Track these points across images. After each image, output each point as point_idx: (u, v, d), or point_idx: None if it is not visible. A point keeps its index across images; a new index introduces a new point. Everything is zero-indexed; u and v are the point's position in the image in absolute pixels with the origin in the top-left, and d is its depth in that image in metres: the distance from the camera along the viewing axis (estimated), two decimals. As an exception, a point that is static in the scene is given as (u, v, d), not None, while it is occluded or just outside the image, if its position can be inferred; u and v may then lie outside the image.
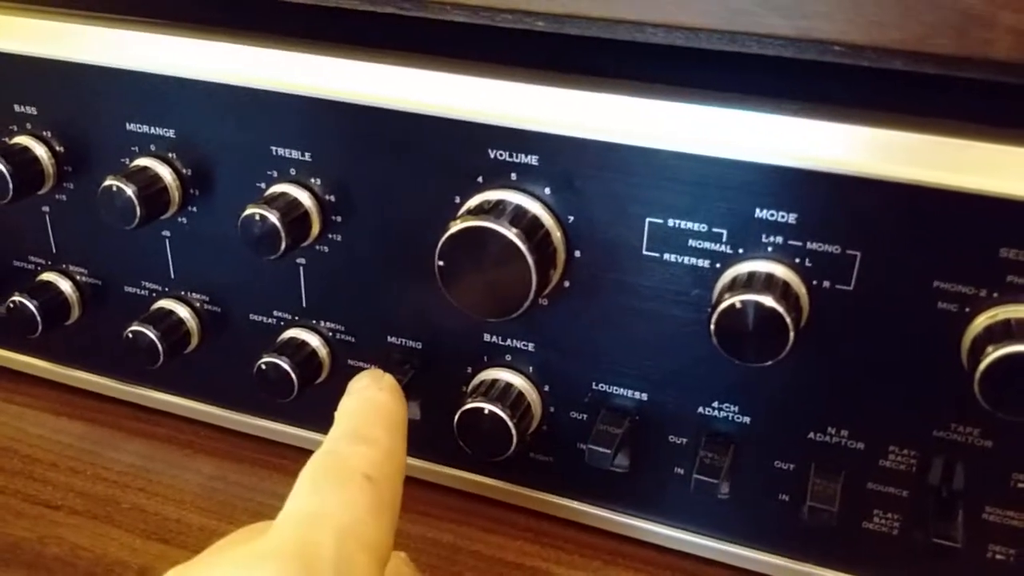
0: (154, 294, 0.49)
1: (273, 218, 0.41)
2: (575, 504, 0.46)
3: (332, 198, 0.42)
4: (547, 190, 0.38)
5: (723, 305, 0.35)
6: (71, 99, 0.45)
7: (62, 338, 0.52)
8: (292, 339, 0.46)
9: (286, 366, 0.45)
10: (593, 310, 0.40)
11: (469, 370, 0.44)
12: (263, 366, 0.46)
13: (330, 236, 0.43)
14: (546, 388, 0.43)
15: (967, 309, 0.35)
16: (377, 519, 0.30)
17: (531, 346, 0.42)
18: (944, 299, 0.35)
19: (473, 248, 0.37)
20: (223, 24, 0.44)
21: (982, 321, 0.34)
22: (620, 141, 0.36)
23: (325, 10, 0.40)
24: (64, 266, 0.51)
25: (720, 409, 0.40)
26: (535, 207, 0.38)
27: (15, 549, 0.45)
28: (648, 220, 0.37)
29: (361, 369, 0.44)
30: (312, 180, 0.42)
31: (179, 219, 0.46)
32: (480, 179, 0.39)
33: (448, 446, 0.44)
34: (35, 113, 0.47)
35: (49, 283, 0.51)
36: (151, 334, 0.47)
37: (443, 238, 0.37)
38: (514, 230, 0.36)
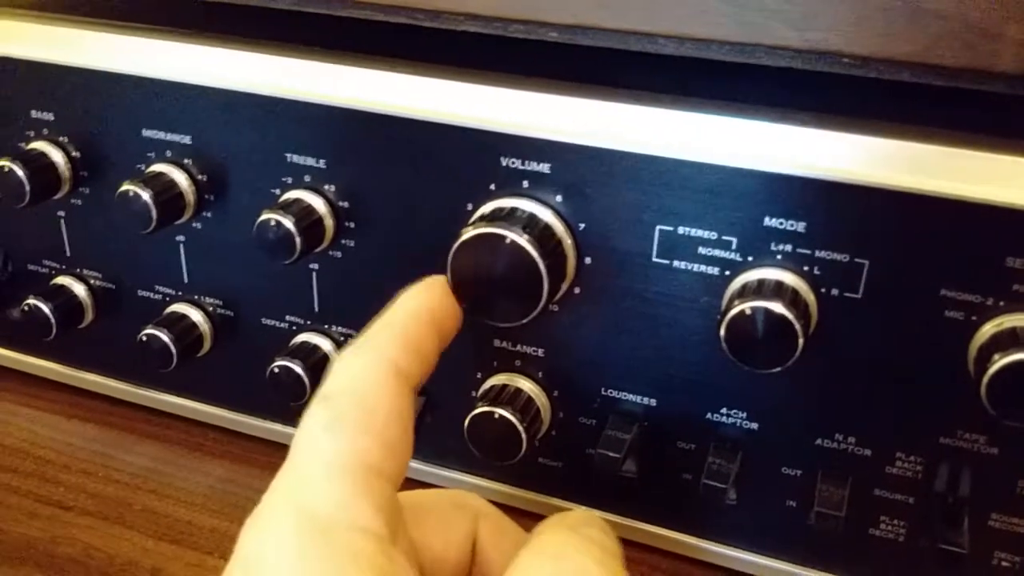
0: (168, 298, 0.50)
1: (288, 224, 0.41)
2: (583, 509, 0.46)
3: (346, 204, 0.43)
4: (558, 198, 0.39)
5: (733, 312, 0.35)
6: (88, 105, 0.46)
7: (76, 341, 0.53)
8: (304, 343, 0.47)
9: (298, 370, 0.46)
10: (603, 316, 0.41)
11: (479, 375, 0.44)
12: (275, 370, 0.46)
13: (343, 242, 0.44)
14: (556, 393, 0.43)
15: (974, 317, 0.35)
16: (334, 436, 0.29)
17: (541, 352, 0.43)
18: (951, 307, 0.35)
19: (485, 254, 0.37)
20: (238, 32, 0.45)
21: (988, 329, 0.35)
22: (631, 150, 0.37)
23: (340, 20, 0.41)
24: (79, 270, 0.52)
25: (728, 415, 0.41)
26: (546, 214, 0.39)
27: (28, 549, 0.45)
28: (658, 228, 0.38)
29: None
30: (326, 187, 0.43)
31: (194, 224, 0.47)
32: (492, 186, 0.40)
33: (458, 450, 0.45)
34: (52, 119, 0.47)
35: (63, 287, 0.51)
36: (164, 337, 0.48)
37: (455, 244, 0.37)
38: (526, 237, 0.37)
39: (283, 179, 0.43)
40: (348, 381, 0.31)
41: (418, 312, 0.34)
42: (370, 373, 0.31)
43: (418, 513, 0.33)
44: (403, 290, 0.36)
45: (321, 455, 0.29)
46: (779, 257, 0.36)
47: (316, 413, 0.30)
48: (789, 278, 0.36)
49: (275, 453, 0.51)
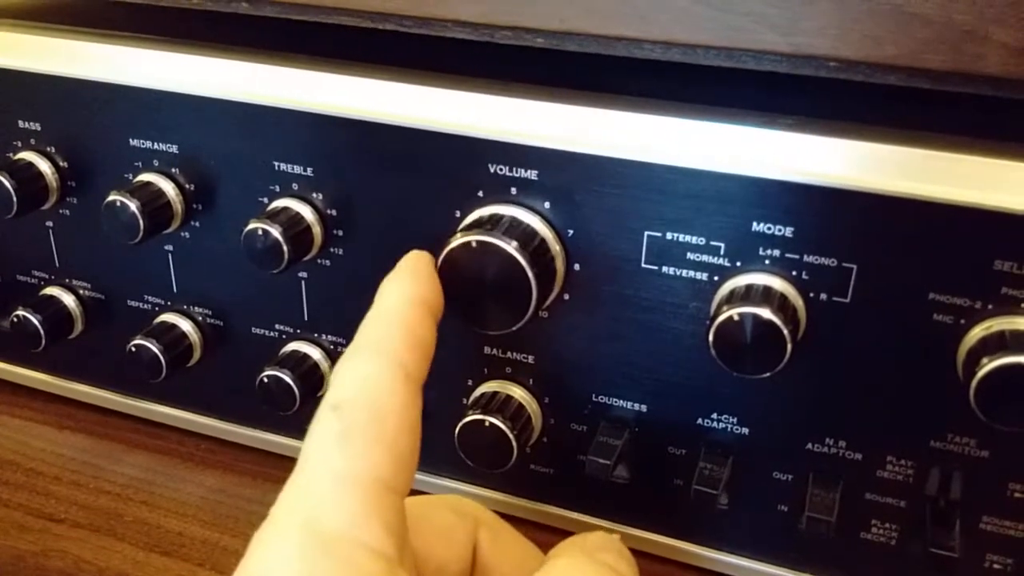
0: (157, 308, 0.50)
1: (276, 232, 0.41)
2: (575, 515, 0.46)
3: (334, 212, 0.43)
4: (547, 204, 0.39)
5: (721, 317, 0.35)
6: (75, 115, 0.46)
7: (65, 352, 0.53)
8: (294, 352, 0.47)
9: (288, 379, 0.45)
10: (592, 323, 0.40)
11: (470, 383, 0.44)
12: (265, 379, 0.46)
13: (332, 250, 0.44)
14: (546, 400, 0.43)
15: (962, 321, 0.35)
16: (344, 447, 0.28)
17: (531, 359, 0.43)
18: (939, 311, 0.35)
19: (473, 262, 0.37)
20: (226, 41, 0.45)
21: (977, 333, 0.34)
22: (619, 156, 0.37)
23: (327, 27, 0.41)
24: (67, 280, 0.52)
25: (719, 420, 0.41)
26: (535, 221, 0.38)
27: (18, 562, 0.45)
28: (646, 233, 0.38)
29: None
30: (314, 195, 0.43)
31: (182, 234, 0.47)
32: (480, 193, 0.39)
33: (449, 458, 0.44)
34: (39, 129, 0.47)
35: (52, 297, 0.51)
36: (154, 348, 0.48)
37: (443, 252, 0.37)
38: (514, 244, 0.37)
39: (271, 187, 0.43)
40: (359, 389, 0.30)
41: (415, 303, 0.33)
42: (381, 379, 0.30)
43: (419, 522, 0.32)
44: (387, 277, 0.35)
45: (332, 468, 0.28)
46: (767, 262, 0.36)
47: (327, 423, 0.29)
48: (777, 283, 0.36)
49: (267, 463, 0.51)
